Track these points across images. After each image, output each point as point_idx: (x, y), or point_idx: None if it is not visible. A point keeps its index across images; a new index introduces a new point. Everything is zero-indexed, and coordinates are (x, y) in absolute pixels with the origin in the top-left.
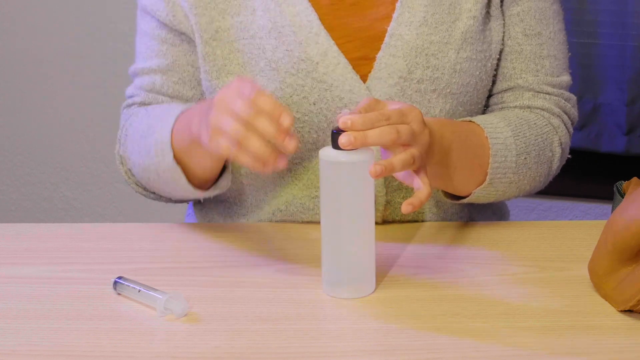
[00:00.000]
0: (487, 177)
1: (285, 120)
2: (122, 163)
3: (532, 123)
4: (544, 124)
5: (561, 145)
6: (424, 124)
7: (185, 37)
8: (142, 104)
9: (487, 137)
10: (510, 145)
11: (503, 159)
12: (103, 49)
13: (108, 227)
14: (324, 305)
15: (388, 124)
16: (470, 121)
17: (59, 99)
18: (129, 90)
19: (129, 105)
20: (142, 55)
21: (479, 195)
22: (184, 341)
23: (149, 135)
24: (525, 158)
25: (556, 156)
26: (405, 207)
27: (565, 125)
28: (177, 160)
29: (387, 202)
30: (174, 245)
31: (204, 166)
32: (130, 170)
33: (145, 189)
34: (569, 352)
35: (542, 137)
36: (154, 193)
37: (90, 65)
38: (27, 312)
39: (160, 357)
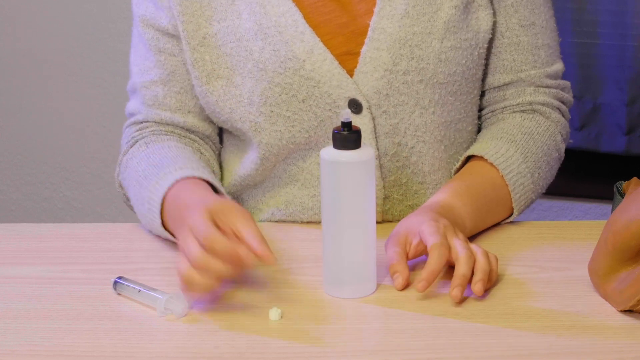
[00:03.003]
0: (514, 211)
1: (247, 258)
2: (121, 187)
3: (535, 134)
4: (545, 127)
5: (563, 137)
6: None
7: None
8: (146, 121)
9: (502, 176)
10: (524, 170)
11: (521, 187)
12: (103, 49)
13: (108, 227)
14: (325, 305)
15: (446, 252)
16: (482, 157)
17: (59, 99)
18: (130, 107)
19: (132, 124)
20: (140, 68)
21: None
22: (184, 341)
23: (144, 186)
24: (538, 173)
25: (561, 150)
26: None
27: (563, 115)
28: (166, 224)
29: (386, 197)
30: (174, 245)
31: None
32: (129, 197)
33: None
34: (569, 352)
35: (547, 145)
36: None
37: (90, 65)
38: (27, 312)
39: (160, 357)
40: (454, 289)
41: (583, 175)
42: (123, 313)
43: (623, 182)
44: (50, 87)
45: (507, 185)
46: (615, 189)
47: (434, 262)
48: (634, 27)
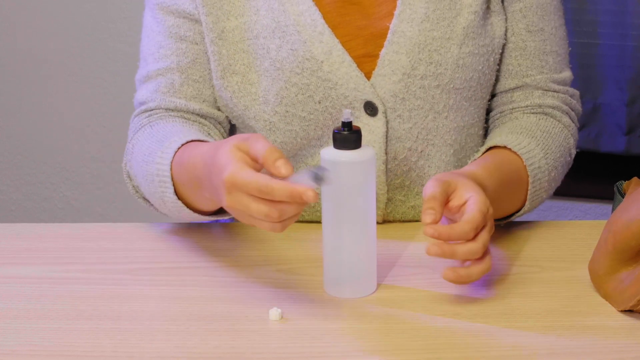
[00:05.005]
0: (527, 203)
1: (309, 197)
2: (129, 178)
3: (553, 134)
4: (560, 129)
5: (574, 141)
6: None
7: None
8: (158, 108)
9: (525, 166)
10: (543, 166)
11: (539, 182)
12: (103, 49)
13: (108, 227)
14: (325, 305)
15: (473, 235)
16: (505, 146)
17: (59, 99)
18: (140, 96)
19: (142, 112)
20: (154, 56)
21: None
22: (184, 341)
23: (150, 162)
24: (555, 173)
25: (572, 155)
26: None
27: (573, 121)
28: (180, 192)
29: (388, 200)
30: (174, 245)
31: (208, 205)
32: (137, 186)
33: (152, 205)
34: (569, 352)
35: (562, 146)
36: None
37: (90, 65)
38: (27, 312)
39: (160, 357)
40: (431, 228)
41: (583, 175)
42: (123, 313)
43: (623, 182)
44: (50, 87)
45: (528, 176)
46: (615, 189)
47: (457, 232)
48: (634, 27)
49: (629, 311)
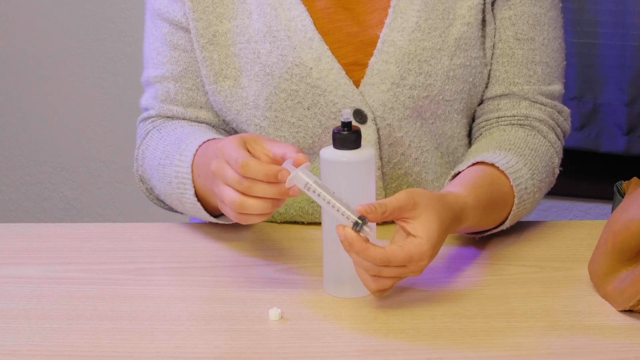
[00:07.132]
0: (507, 222)
1: (283, 176)
2: (142, 181)
3: (540, 152)
4: (546, 148)
5: (559, 160)
6: (425, 266)
7: None
8: (158, 116)
9: (512, 187)
10: (529, 187)
11: (523, 203)
12: (103, 49)
13: (108, 227)
14: (324, 305)
15: (388, 273)
16: (492, 164)
17: (59, 99)
18: (144, 101)
19: (145, 119)
20: (154, 61)
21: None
22: (184, 341)
23: (167, 165)
24: (538, 196)
25: (555, 175)
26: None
27: (559, 139)
28: (199, 193)
29: None
30: (174, 245)
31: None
32: (151, 188)
33: (166, 204)
34: (569, 352)
35: (548, 166)
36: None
37: (90, 65)
38: (27, 312)
39: (160, 357)
40: (344, 231)
41: (583, 175)
42: (123, 313)
43: (623, 182)
44: (51, 87)
45: (514, 197)
46: (615, 189)
47: (370, 253)
48: (634, 27)
49: (629, 311)
